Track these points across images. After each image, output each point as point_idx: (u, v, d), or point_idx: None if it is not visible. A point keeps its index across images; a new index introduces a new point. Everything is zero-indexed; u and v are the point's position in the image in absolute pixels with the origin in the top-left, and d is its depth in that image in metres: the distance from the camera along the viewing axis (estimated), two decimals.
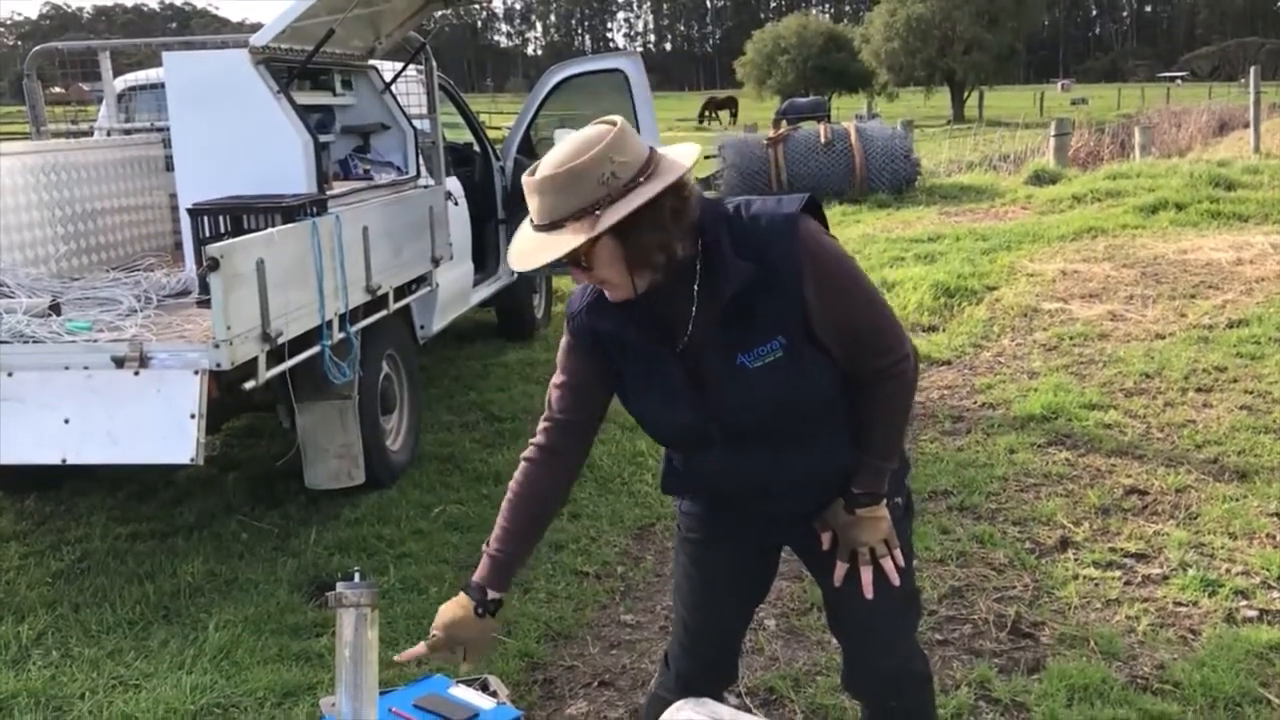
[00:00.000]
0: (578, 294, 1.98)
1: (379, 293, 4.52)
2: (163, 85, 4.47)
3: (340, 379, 4.14)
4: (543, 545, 3.98)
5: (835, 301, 1.85)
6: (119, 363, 3.47)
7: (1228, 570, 3.67)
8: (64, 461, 3.47)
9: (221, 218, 4.07)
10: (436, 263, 5.25)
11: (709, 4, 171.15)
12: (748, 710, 2.89)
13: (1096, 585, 3.63)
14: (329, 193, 4.47)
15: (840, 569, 2.02)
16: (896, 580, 2.00)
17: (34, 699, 3.16)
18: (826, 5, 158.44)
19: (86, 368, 3.49)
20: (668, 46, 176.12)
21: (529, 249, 1.78)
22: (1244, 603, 3.46)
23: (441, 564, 3.99)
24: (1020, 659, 3.20)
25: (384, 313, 4.65)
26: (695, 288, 1.86)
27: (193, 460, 3.38)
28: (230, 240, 3.64)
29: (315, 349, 3.99)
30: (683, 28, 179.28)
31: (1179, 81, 70.47)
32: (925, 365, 6.24)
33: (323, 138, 4.69)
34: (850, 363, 1.90)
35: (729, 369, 1.87)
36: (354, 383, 4.30)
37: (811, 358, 1.86)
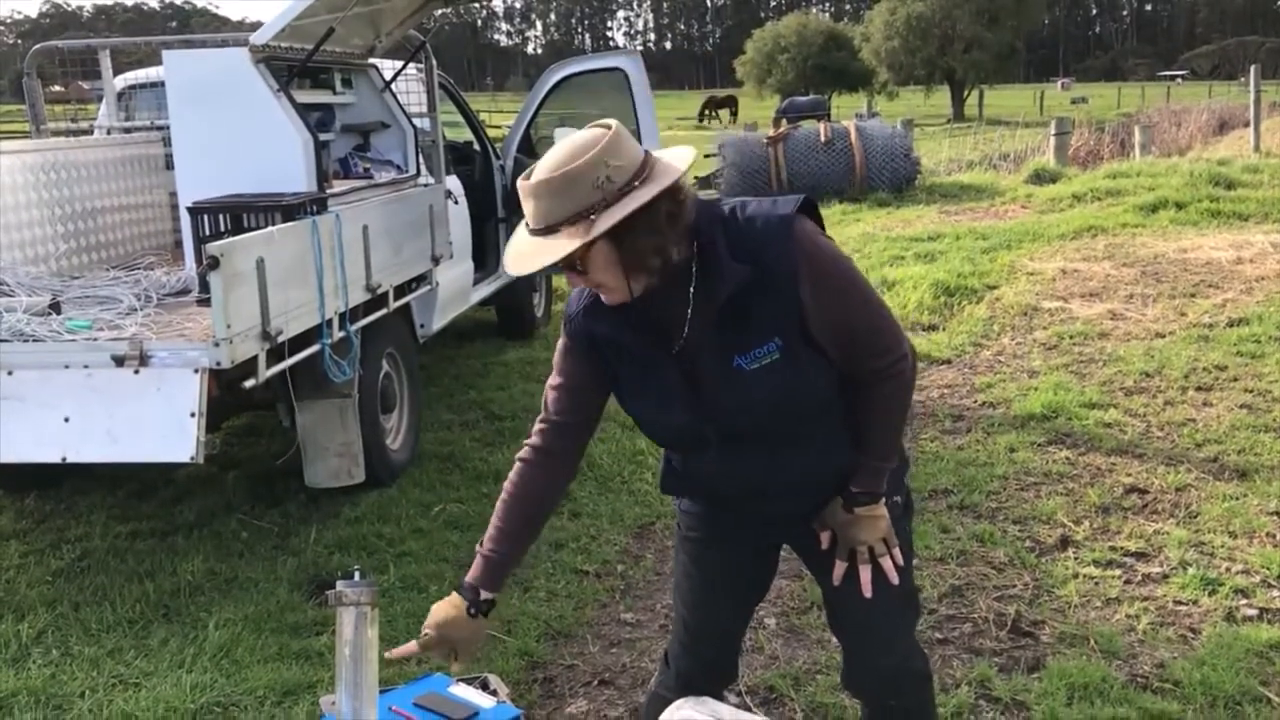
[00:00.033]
0: (575, 297, 1.98)
1: (379, 291, 4.52)
2: (163, 84, 4.47)
3: (340, 377, 4.14)
4: (543, 544, 3.99)
5: (832, 302, 1.85)
6: (119, 361, 3.46)
7: (1228, 569, 3.67)
8: (64, 460, 3.47)
9: (221, 216, 4.07)
10: (436, 261, 5.25)
11: (709, 3, 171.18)
12: (748, 709, 2.89)
13: (1096, 584, 3.63)
14: (329, 191, 4.47)
15: (839, 568, 2.02)
16: (895, 579, 2.00)
17: (34, 697, 3.16)
18: (826, 4, 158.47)
19: (86, 366, 3.49)
20: (668, 45, 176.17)
21: (524, 253, 1.78)
22: (1244, 601, 3.46)
23: (441, 562, 3.98)
24: (1020, 658, 3.20)
25: (384, 311, 4.65)
26: (691, 290, 1.85)
27: (193, 459, 3.38)
28: (230, 239, 3.63)
29: (315, 347, 3.99)
30: (683, 27, 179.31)
31: (1179, 80, 70.41)
32: (925, 364, 6.24)
33: (323, 136, 4.69)
34: (848, 363, 1.90)
35: (725, 371, 1.87)
36: (354, 381, 4.30)
37: (808, 359, 1.86)
